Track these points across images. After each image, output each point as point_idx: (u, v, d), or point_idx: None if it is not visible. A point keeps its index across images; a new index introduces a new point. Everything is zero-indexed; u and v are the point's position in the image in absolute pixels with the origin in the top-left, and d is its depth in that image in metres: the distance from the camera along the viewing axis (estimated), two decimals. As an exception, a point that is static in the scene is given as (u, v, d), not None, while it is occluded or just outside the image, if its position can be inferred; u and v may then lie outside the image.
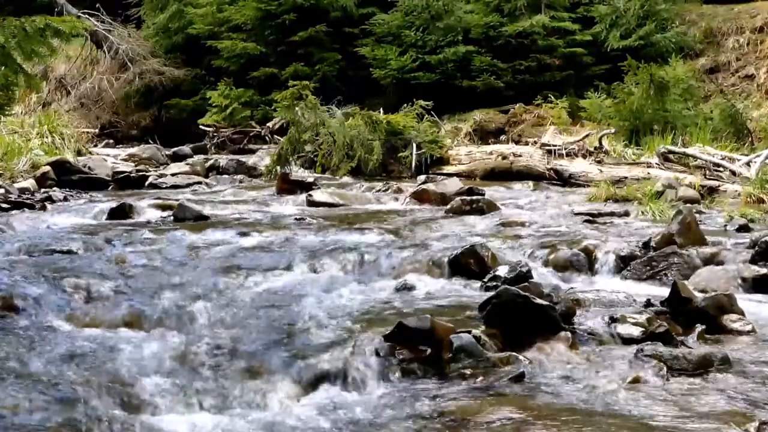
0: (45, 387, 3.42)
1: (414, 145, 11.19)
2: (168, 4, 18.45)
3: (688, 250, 5.65)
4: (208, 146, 14.97)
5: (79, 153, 11.78)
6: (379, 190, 9.37)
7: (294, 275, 5.43)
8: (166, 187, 10.04)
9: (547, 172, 10.64)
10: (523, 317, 4.08)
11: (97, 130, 16.23)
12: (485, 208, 7.75)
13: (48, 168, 9.76)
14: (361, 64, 16.33)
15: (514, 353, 3.88)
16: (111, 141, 16.41)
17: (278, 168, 11.02)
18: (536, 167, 10.75)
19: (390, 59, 15.69)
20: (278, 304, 4.69)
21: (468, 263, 5.43)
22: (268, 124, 15.23)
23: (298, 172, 10.82)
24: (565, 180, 10.46)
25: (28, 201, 8.11)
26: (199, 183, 10.49)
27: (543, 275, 5.42)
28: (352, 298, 4.85)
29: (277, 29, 16.76)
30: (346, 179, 10.61)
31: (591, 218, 7.31)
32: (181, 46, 18.27)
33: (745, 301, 4.72)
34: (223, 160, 12.36)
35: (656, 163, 10.07)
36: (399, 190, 9.20)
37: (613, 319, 4.25)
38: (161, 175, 10.63)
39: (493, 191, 9.23)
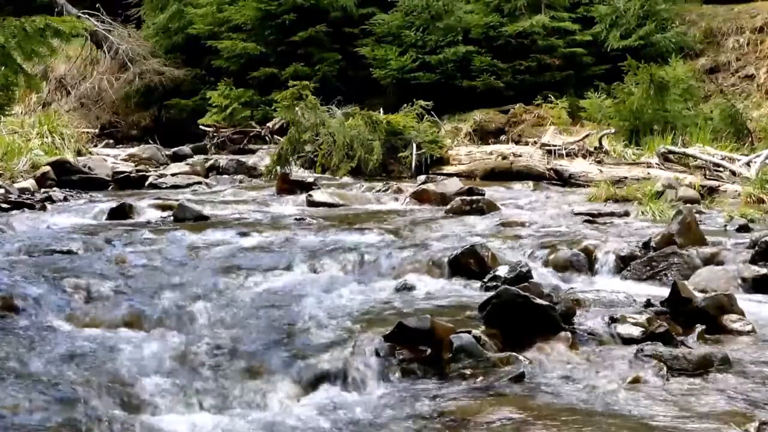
0: (45, 387, 3.42)
1: (414, 145, 11.18)
2: (168, 4, 18.45)
3: (688, 250, 5.65)
4: (208, 146, 14.97)
5: (79, 153, 11.77)
6: (379, 190, 9.37)
7: (294, 275, 5.43)
8: (166, 187, 10.04)
9: (547, 172, 10.64)
10: (523, 317, 4.08)
11: (97, 130, 16.23)
12: (485, 208, 7.75)
13: (48, 168, 9.76)
14: (361, 64, 16.33)
15: (514, 353, 3.88)
16: (111, 141, 16.40)
17: (278, 168, 11.02)
18: (536, 167, 10.74)
19: (390, 59, 15.69)
20: (278, 304, 4.69)
21: (468, 263, 5.43)
22: (268, 124, 15.23)
23: (298, 172, 10.82)
24: (565, 180, 10.45)
25: (28, 201, 8.11)
26: (199, 183, 10.48)
27: (543, 275, 5.42)
28: (352, 298, 4.85)
29: (277, 29, 16.76)
30: (346, 179, 10.60)
31: (591, 218, 7.31)
32: (181, 46, 18.27)
33: (745, 301, 4.72)
34: (223, 160, 12.36)
35: (656, 163, 10.06)
36: (399, 190, 9.20)
37: (613, 319, 4.25)
38: (161, 175, 10.63)
39: (493, 191, 9.23)
